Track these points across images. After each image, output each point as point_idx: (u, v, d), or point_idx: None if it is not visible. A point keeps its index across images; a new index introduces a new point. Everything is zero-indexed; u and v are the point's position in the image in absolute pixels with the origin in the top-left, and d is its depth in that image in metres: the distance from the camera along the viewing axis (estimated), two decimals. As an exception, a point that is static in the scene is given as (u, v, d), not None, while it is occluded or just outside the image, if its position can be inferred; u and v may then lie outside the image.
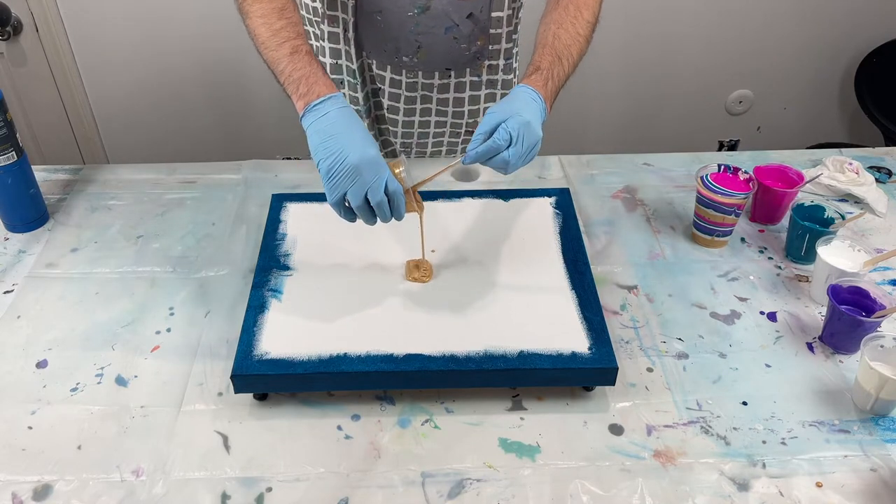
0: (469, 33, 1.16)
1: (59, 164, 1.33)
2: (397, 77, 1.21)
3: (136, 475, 0.83)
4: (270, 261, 1.03)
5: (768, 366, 0.96)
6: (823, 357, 0.97)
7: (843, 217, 1.11)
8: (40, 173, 1.27)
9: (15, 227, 1.17)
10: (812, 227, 1.08)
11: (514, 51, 1.24)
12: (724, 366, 0.96)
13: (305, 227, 1.09)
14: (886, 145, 1.89)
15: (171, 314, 1.03)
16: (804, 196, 1.20)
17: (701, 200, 1.11)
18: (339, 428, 0.88)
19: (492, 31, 1.18)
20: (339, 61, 1.21)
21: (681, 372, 0.95)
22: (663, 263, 1.12)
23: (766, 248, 1.15)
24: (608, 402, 0.91)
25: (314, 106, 0.92)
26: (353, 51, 1.19)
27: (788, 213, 1.13)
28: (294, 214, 1.11)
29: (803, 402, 0.91)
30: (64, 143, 2.22)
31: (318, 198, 1.15)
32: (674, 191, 1.27)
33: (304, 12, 1.21)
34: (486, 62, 1.22)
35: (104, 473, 0.83)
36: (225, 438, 0.87)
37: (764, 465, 0.84)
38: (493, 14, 1.15)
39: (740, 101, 2.31)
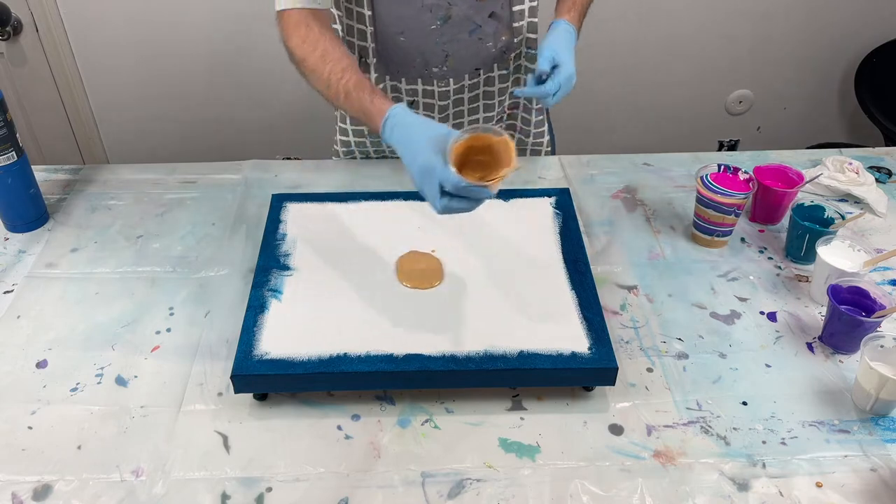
0: (493, 31, 1.17)
1: (59, 164, 1.33)
2: (429, 88, 1.22)
3: (136, 475, 0.83)
4: (270, 261, 1.03)
5: (768, 366, 0.96)
6: (823, 357, 0.97)
7: (843, 217, 1.11)
8: (40, 173, 1.27)
9: (15, 227, 1.17)
10: (812, 227, 1.08)
11: (537, 37, 1.24)
12: (724, 366, 0.96)
13: (305, 227, 1.09)
14: (886, 145, 1.89)
15: (171, 314, 1.03)
16: (804, 196, 1.20)
17: (701, 200, 1.11)
18: (339, 428, 0.88)
19: (515, 24, 1.19)
20: None
21: (681, 372, 0.95)
22: (663, 263, 1.12)
23: (766, 248, 1.15)
24: (608, 402, 0.91)
25: (383, 133, 0.94)
26: (373, 76, 1.19)
27: (788, 213, 1.13)
28: (294, 214, 1.11)
29: (803, 402, 0.91)
30: (64, 143, 2.22)
31: (318, 198, 1.15)
32: (674, 191, 1.27)
33: None
34: (512, 54, 1.24)
35: (104, 473, 0.83)
36: (225, 438, 0.87)
37: (764, 465, 0.84)
38: (515, 8, 1.17)
39: (740, 101, 2.31)
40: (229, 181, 1.28)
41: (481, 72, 1.22)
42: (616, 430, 0.88)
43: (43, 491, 0.82)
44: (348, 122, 1.31)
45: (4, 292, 1.07)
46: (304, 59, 1.03)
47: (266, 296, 0.97)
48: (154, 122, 2.21)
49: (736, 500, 0.81)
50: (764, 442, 0.87)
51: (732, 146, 2.42)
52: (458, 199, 0.86)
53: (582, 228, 1.12)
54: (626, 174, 1.30)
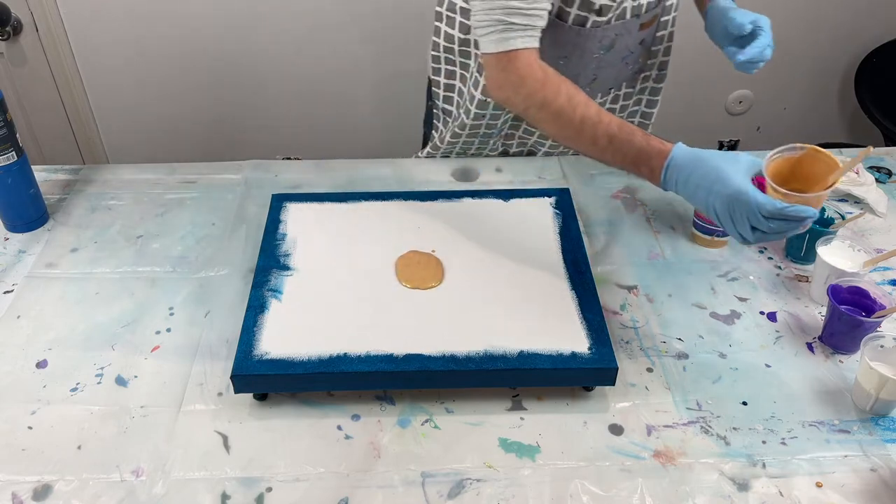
0: (638, 56, 1.20)
1: (59, 164, 1.33)
2: None
3: (136, 475, 0.83)
4: (270, 261, 1.03)
5: (768, 366, 0.96)
6: (823, 357, 0.97)
7: (843, 217, 1.11)
8: (40, 173, 1.26)
9: (15, 227, 1.17)
10: (812, 226, 1.08)
11: (666, 59, 1.27)
12: (724, 366, 0.96)
13: (305, 227, 1.09)
14: (886, 145, 1.89)
15: (171, 314, 1.03)
16: (804, 196, 1.20)
17: (701, 200, 1.11)
18: (339, 428, 0.88)
19: (653, 48, 1.22)
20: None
21: (681, 372, 0.95)
22: (663, 263, 1.12)
23: (766, 248, 1.15)
24: (608, 402, 0.91)
25: (665, 174, 0.88)
26: None
27: (788, 213, 1.13)
28: (294, 214, 1.11)
29: (803, 402, 0.91)
30: (64, 143, 2.22)
31: (318, 198, 1.15)
32: (674, 191, 1.27)
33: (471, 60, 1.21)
34: (641, 75, 1.27)
35: (104, 473, 0.83)
36: (225, 438, 0.87)
37: (764, 465, 0.84)
38: (658, 34, 1.20)
39: (740, 101, 2.31)
40: (229, 181, 1.28)
41: (613, 90, 1.24)
42: (616, 430, 0.88)
43: (43, 491, 0.82)
44: (460, 123, 1.28)
45: (4, 292, 1.07)
46: (546, 104, 0.94)
47: (266, 296, 0.97)
48: (154, 122, 2.22)
49: (736, 500, 0.81)
50: (764, 442, 0.87)
51: (732, 146, 2.42)
52: (776, 223, 0.81)
53: (582, 228, 1.12)
54: (626, 174, 1.30)
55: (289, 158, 1.39)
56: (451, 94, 1.29)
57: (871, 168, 1.29)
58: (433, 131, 1.39)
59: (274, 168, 1.31)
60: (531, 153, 1.37)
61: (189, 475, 0.83)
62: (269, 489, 0.82)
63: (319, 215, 1.11)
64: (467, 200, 1.15)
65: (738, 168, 0.83)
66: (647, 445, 0.86)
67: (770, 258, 1.13)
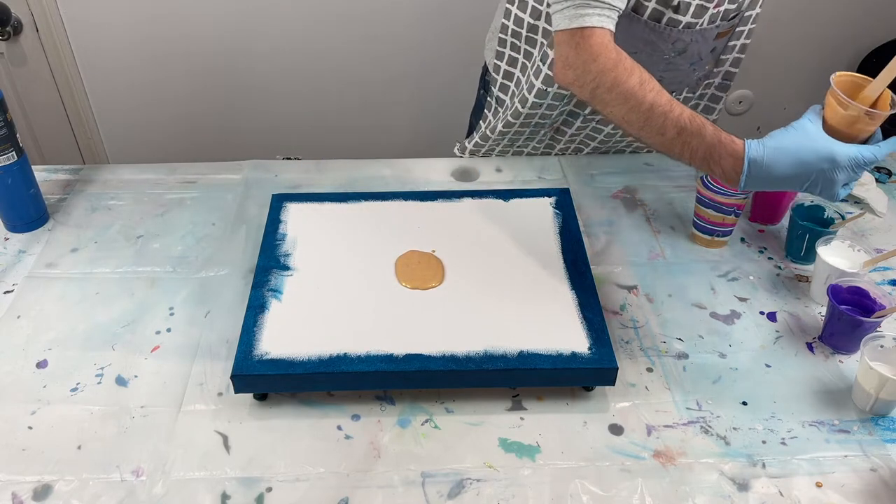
0: (706, 63, 1.19)
1: (59, 164, 1.33)
2: None
3: (136, 475, 0.83)
4: (270, 261, 1.03)
5: (768, 366, 0.96)
6: (823, 357, 0.97)
7: (843, 217, 1.11)
8: (40, 173, 1.27)
9: (15, 227, 1.17)
10: (812, 227, 1.08)
11: (733, 70, 1.26)
12: (724, 366, 0.96)
13: (305, 227, 1.09)
14: (886, 145, 1.89)
15: (171, 314, 1.03)
16: (804, 196, 1.20)
17: (701, 200, 1.11)
18: (339, 428, 0.88)
19: (722, 56, 1.21)
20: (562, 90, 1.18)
21: (681, 372, 0.95)
22: (663, 263, 1.12)
23: (766, 248, 1.15)
24: (608, 402, 0.91)
25: (748, 169, 0.85)
26: None
27: (788, 213, 1.13)
28: (294, 214, 1.11)
29: (803, 402, 0.91)
30: (64, 143, 2.22)
31: (318, 198, 1.15)
32: (674, 191, 1.27)
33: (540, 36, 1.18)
34: (705, 82, 1.25)
35: (104, 473, 0.83)
36: (225, 438, 0.87)
37: (764, 465, 0.84)
38: (730, 42, 1.18)
39: (740, 101, 2.31)
40: (229, 181, 1.28)
41: (675, 93, 1.23)
42: (616, 430, 0.88)
43: (43, 491, 0.82)
44: (500, 121, 1.27)
45: (4, 292, 1.07)
46: (617, 84, 0.91)
47: (266, 296, 0.97)
48: (154, 122, 2.22)
49: (736, 500, 0.81)
50: (764, 442, 0.87)
51: (732, 146, 2.42)
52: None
53: (582, 228, 1.12)
54: (626, 174, 1.30)
55: (289, 158, 1.39)
56: (508, 83, 1.27)
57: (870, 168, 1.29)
58: (481, 121, 1.37)
59: (274, 168, 1.31)
60: (578, 150, 1.35)
61: (189, 475, 0.83)
62: (269, 489, 0.82)
63: (319, 215, 1.11)
64: (467, 200, 1.15)
65: (816, 143, 0.82)
66: (647, 445, 0.86)
67: (770, 258, 1.13)
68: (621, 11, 0.96)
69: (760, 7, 1.16)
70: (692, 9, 1.05)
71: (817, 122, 0.84)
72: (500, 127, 1.28)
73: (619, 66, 0.92)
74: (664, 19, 1.06)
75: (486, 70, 1.33)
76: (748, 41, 1.21)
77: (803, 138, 0.83)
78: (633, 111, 0.91)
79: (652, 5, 1.05)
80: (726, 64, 1.23)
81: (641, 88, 0.91)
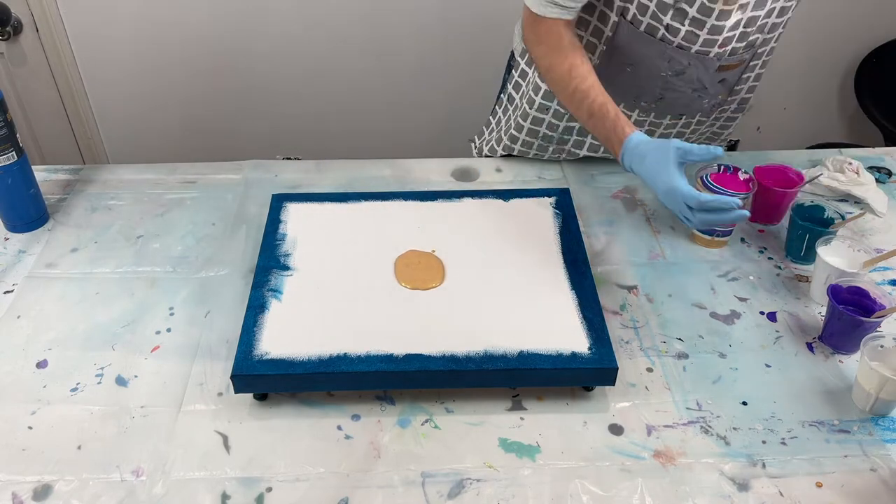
0: (715, 92, 1.18)
1: (59, 164, 1.33)
2: (628, 113, 1.20)
3: (136, 475, 0.83)
4: (270, 261, 1.03)
5: (768, 366, 0.96)
6: (823, 357, 0.97)
7: (842, 217, 1.11)
8: (40, 173, 1.27)
9: (15, 227, 1.17)
10: (812, 227, 1.08)
11: (748, 96, 1.26)
12: (724, 366, 0.96)
13: (305, 227, 1.09)
14: (886, 145, 1.89)
15: (171, 314, 1.03)
16: (804, 196, 1.20)
17: (701, 200, 1.11)
18: (339, 428, 0.88)
19: (736, 87, 1.20)
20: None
21: (681, 372, 0.95)
22: (663, 263, 1.12)
23: (766, 248, 1.15)
24: (608, 402, 0.91)
25: (622, 160, 1.03)
26: None
27: (788, 214, 1.13)
28: (294, 214, 1.11)
29: (803, 402, 0.91)
30: (64, 143, 2.22)
31: (318, 198, 1.15)
32: (674, 191, 1.26)
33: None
34: (719, 109, 1.25)
35: (104, 473, 0.83)
36: (225, 438, 0.87)
37: (764, 465, 0.84)
38: (744, 75, 1.18)
39: (740, 102, 2.31)
40: (229, 181, 1.28)
41: (685, 116, 1.23)
42: (616, 430, 0.88)
43: (43, 491, 0.82)
44: (524, 121, 1.28)
45: (4, 292, 1.07)
46: (550, 69, 1.06)
47: (266, 296, 0.97)
48: (154, 122, 2.22)
49: (736, 500, 0.81)
50: (764, 442, 0.87)
51: (732, 146, 2.42)
52: (702, 214, 0.95)
53: (582, 228, 1.12)
54: (626, 174, 1.30)
55: (289, 158, 1.39)
56: (521, 81, 1.27)
57: (871, 168, 1.29)
58: (491, 117, 1.38)
59: (274, 168, 1.31)
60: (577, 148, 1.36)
61: (189, 475, 0.83)
62: (269, 489, 0.82)
63: (319, 215, 1.11)
64: (467, 200, 1.15)
65: (669, 165, 0.96)
66: (647, 445, 0.86)
67: (770, 258, 1.13)
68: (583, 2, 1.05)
69: (776, 41, 1.16)
70: (682, 33, 1.06)
71: (676, 152, 0.96)
72: (512, 130, 1.29)
73: (557, 52, 1.03)
74: (658, 34, 1.07)
75: (511, 56, 1.33)
76: (763, 70, 1.20)
77: (663, 153, 0.97)
78: (561, 94, 1.06)
79: (647, 20, 1.06)
80: (742, 92, 1.23)
81: (570, 74, 1.03)
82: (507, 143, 1.30)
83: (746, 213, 0.96)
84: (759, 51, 1.14)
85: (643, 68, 1.12)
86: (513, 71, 1.31)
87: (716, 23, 1.03)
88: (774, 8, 1.04)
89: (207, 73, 2.12)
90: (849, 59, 2.24)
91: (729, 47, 1.07)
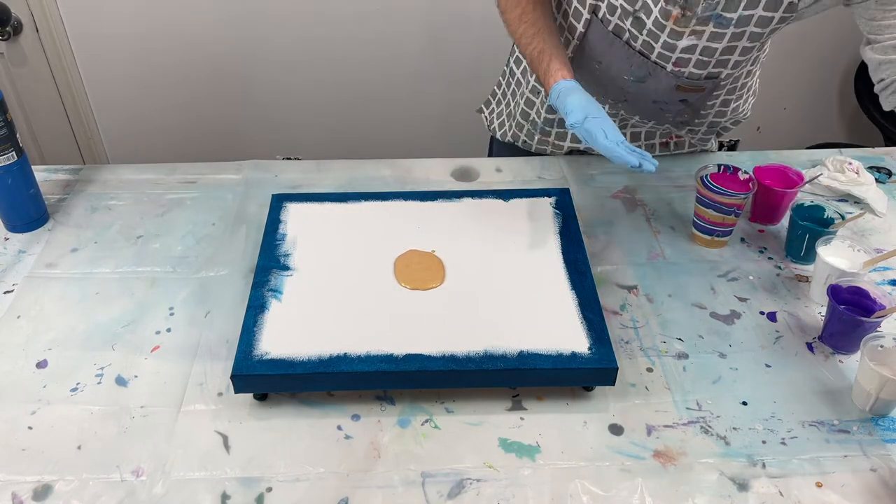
0: (678, 110, 1.20)
1: (59, 164, 1.33)
2: (602, 102, 1.22)
3: (136, 475, 0.83)
4: (270, 261, 1.03)
5: (768, 366, 0.96)
6: (823, 357, 0.97)
7: (842, 217, 1.11)
8: (40, 173, 1.27)
9: (15, 227, 1.17)
10: (812, 227, 1.08)
11: (718, 120, 1.26)
12: (724, 366, 0.96)
13: (305, 227, 1.09)
14: (886, 145, 1.89)
15: (171, 314, 1.03)
16: (804, 196, 1.20)
17: (701, 200, 1.11)
18: (339, 428, 0.88)
19: (702, 111, 1.21)
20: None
21: (681, 372, 0.95)
22: (663, 263, 1.12)
23: (766, 248, 1.15)
24: (608, 402, 0.91)
25: (549, 97, 1.06)
26: None
27: (788, 214, 1.13)
28: (294, 214, 1.11)
29: (803, 402, 0.91)
30: (64, 143, 2.22)
31: (318, 198, 1.15)
32: (674, 191, 1.27)
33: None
34: (686, 128, 1.27)
35: (104, 473, 0.83)
36: (225, 438, 0.87)
37: (764, 465, 0.84)
38: (708, 102, 1.19)
39: (740, 101, 2.31)
40: (229, 181, 1.28)
41: (654, 123, 1.26)
42: (616, 430, 0.88)
43: (43, 491, 0.82)
44: (540, 115, 1.30)
45: (4, 292, 1.07)
46: (505, 11, 1.12)
47: (266, 296, 0.97)
48: (154, 122, 2.22)
49: (736, 500, 0.81)
50: (764, 442, 0.87)
51: (732, 146, 2.42)
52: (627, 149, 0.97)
53: (582, 228, 1.12)
54: (626, 174, 1.30)
55: (289, 158, 1.39)
56: (522, 58, 1.28)
57: (871, 168, 1.29)
58: (495, 87, 1.41)
59: (274, 168, 1.31)
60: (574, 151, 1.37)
61: (189, 475, 0.83)
62: (269, 489, 0.82)
63: (319, 215, 1.11)
64: (467, 200, 1.15)
65: (595, 104, 1.00)
66: (647, 445, 0.86)
67: (770, 258, 1.13)
68: None
69: (756, 77, 1.19)
70: (640, 41, 1.07)
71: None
72: (522, 104, 1.31)
73: (510, 10, 1.11)
74: (624, 36, 1.09)
75: None
76: (732, 97, 1.20)
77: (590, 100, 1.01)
78: (512, 35, 1.13)
79: (615, 20, 1.08)
80: (709, 117, 1.24)
81: (519, 20, 1.10)
82: (525, 107, 1.32)
83: (635, 162, 0.97)
84: (723, 83, 1.14)
85: (612, 68, 1.14)
86: (510, 56, 1.34)
87: (668, 40, 1.05)
88: (736, 46, 1.04)
89: (207, 73, 2.12)
90: (849, 59, 2.24)
91: (686, 69, 1.09)
